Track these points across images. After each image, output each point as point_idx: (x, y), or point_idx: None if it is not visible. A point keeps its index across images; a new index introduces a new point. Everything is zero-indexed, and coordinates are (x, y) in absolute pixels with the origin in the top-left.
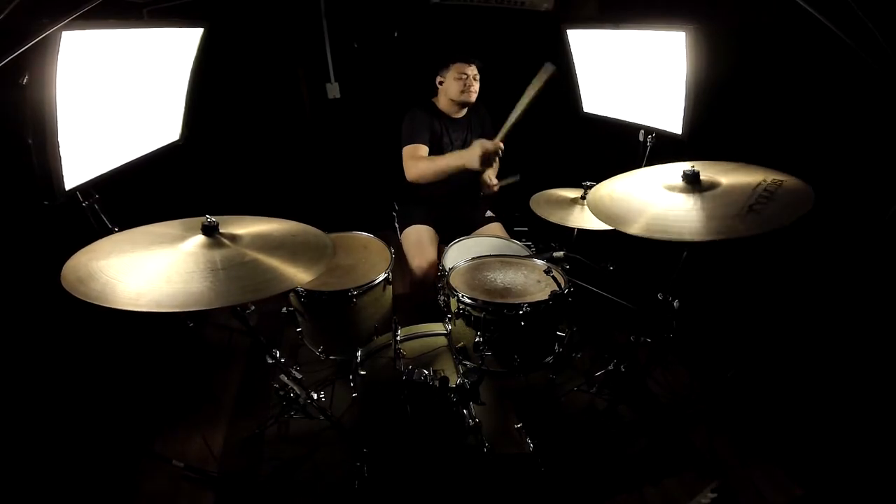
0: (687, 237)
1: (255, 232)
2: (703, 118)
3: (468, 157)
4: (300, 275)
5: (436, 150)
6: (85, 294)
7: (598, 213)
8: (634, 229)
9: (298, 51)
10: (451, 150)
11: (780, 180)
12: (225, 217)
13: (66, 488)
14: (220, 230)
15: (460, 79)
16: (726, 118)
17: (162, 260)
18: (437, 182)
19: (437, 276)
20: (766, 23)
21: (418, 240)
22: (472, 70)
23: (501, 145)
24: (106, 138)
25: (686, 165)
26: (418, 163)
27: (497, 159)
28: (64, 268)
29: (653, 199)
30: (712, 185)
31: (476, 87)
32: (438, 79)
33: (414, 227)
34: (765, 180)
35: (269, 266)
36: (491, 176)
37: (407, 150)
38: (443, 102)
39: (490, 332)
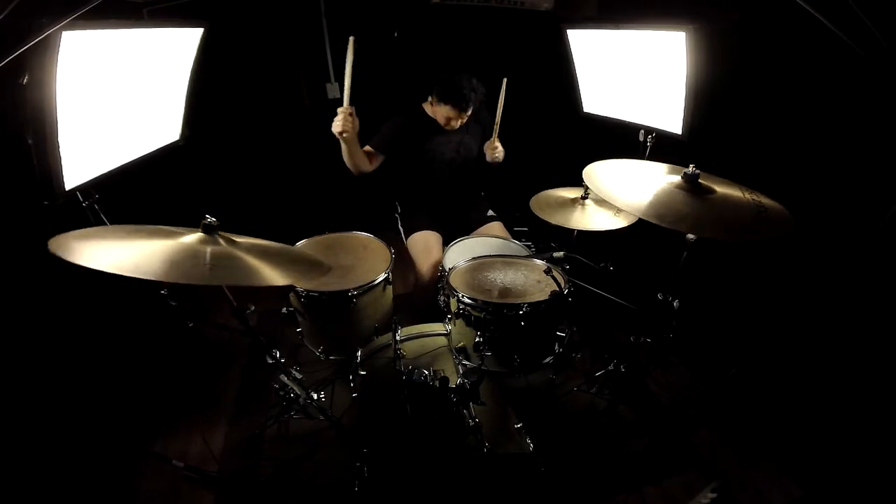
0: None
1: (252, 242)
2: (702, 118)
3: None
4: (279, 279)
5: (426, 157)
6: (70, 255)
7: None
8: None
9: (298, 51)
10: (444, 152)
11: (758, 200)
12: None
13: (66, 488)
14: (219, 232)
15: (448, 118)
16: (726, 118)
17: (156, 245)
18: (438, 183)
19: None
20: (766, 23)
21: (426, 245)
22: (463, 117)
23: (346, 107)
24: (106, 138)
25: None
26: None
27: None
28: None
29: (655, 189)
30: (710, 189)
31: (464, 120)
32: (431, 99)
33: (420, 233)
34: (744, 195)
35: (254, 266)
36: (494, 143)
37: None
38: (430, 111)
39: (490, 332)
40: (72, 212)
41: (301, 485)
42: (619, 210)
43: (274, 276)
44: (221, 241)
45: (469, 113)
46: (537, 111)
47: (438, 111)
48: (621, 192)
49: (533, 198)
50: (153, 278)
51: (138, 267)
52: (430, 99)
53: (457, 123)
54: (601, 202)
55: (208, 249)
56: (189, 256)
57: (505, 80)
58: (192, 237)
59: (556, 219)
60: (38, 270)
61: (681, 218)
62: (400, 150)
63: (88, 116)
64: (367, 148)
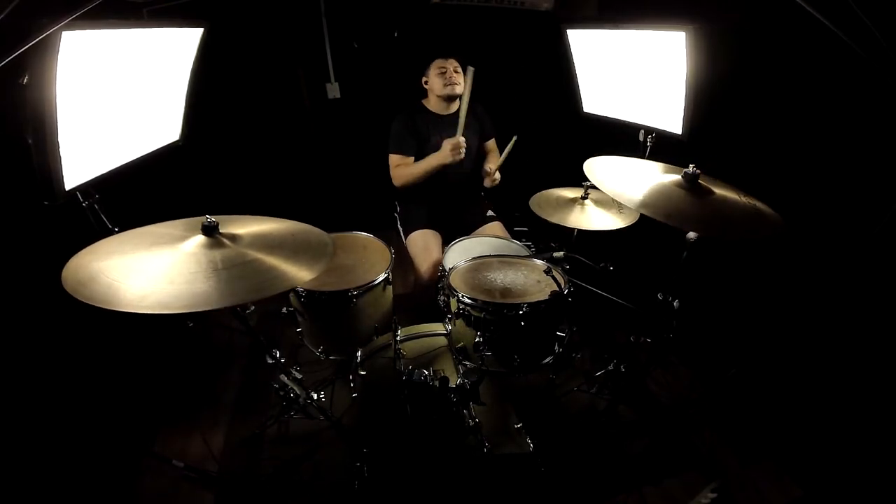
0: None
1: (255, 232)
2: (702, 118)
3: (441, 155)
4: (301, 273)
5: (427, 152)
6: (88, 297)
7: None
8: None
9: (298, 51)
10: None
11: (751, 202)
12: (225, 217)
13: (66, 488)
14: (220, 230)
15: (442, 73)
16: (726, 118)
17: (163, 261)
18: (437, 182)
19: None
20: (766, 23)
21: (425, 245)
22: (452, 63)
23: (462, 139)
24: (106, 138)
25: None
26: (402, 171)
27: (464, 151)
28: (64, 269)
29: (658, 187)
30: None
31: (459, 78)
32: (423, 79)
33: (419, 231)
34: (740, 198)
35: (270, 265)
36: (490, 166)
37: (392, 160)
38: (432, 102)
39: (490, 333)
40: (72, 212)
41: (301, 485)
42: (621, 208)
43: (292, 274)
44: (225, 240)
45: (457, 63)
46: (537, 111)
47: (434, 82)
48: (625, 189)
49: (532, 197)
50: (180, 311)
51: (163, 304)
52: (424, 86)
53: (454, 77)
54: (601, 202)
55: (221, 268)
56: (206, 278)
57: (471, 69)
58: (196, 242)
59: (555, 218)
60: (37, 270)
61: (687, 217)
62: (416, 147)
63: (88, 116)
64: (397, 157)
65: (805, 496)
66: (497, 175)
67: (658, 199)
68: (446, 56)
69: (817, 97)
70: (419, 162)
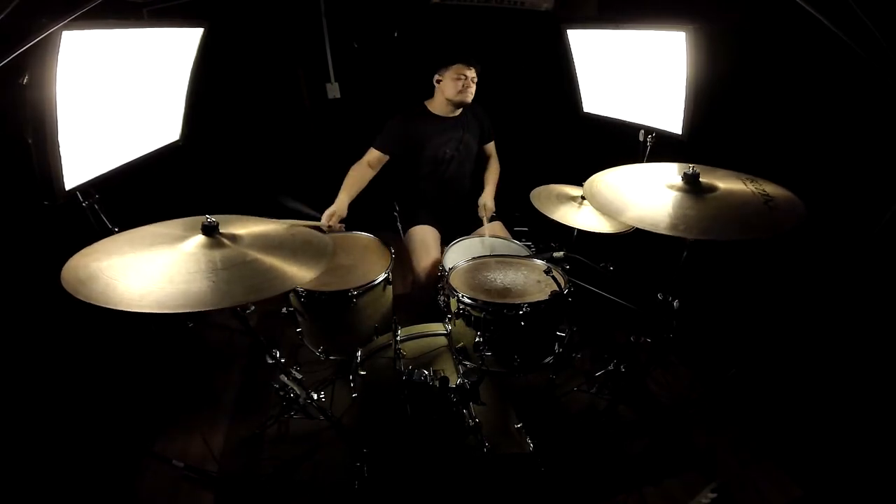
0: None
1: (254, 232)
2: (702, 118)
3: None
4: (301, 274)
5: (426, 154)
6: (86, 296)
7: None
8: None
9: (298, 51)
10: (445, 151)
11: (761, 187)
12: (225, 217)
13: (66, 488)
14: (221, 230)
15: (459, 79)
16: (726, 118)
17: (163, 260)
18: (438, 182)
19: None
20: (766, 23)
21: (423, 240)
22: (472, 73)
23: (343, 214)
24: (106, 138)
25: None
26: (354, 169)
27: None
28: (64, 269)
29: (658, 197)
30: (712, 188)
31: (473, 89)
32: (436, 77)
33: (418, 227)
34: (745, 184)
35: (269, 265)
36: (487, 201)
37: (370, 152)
38: (437, 102)
39: (490, 332)
40: (72, 212)
41: (301, 485)
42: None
43: (292, 275)
44: (225, 240)
45: (476, 70)
46: (537, 111)
47: (447, 84)
48: (627, 207)
49: (533, 190)
50: (178, 310)
51: (161, 303)
52: (436, 83)
53: (469, 87)
54: None
55: (220, 268)
56: (205, 278)
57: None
58: (196, 242)
59: (555, 215)
60: (37, 270)
61: (695, 224)
62: (404, 148)
63: (88, 116)
64: (373, 152)
65: (805, 496)
66: (491, 207)
67: (661, 212)
68: (469, 63)
69: (817, 97)
70: (346, 186)
